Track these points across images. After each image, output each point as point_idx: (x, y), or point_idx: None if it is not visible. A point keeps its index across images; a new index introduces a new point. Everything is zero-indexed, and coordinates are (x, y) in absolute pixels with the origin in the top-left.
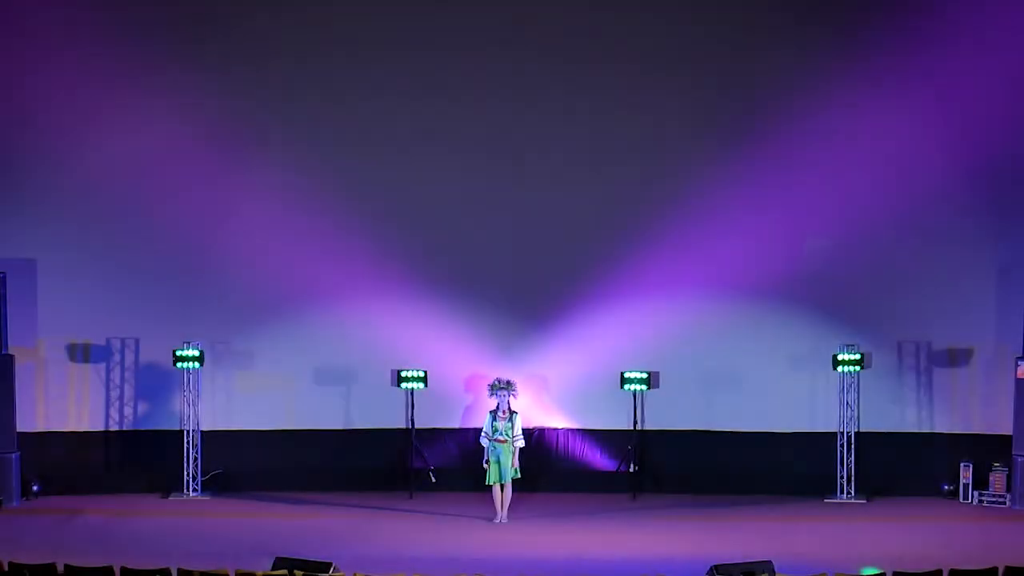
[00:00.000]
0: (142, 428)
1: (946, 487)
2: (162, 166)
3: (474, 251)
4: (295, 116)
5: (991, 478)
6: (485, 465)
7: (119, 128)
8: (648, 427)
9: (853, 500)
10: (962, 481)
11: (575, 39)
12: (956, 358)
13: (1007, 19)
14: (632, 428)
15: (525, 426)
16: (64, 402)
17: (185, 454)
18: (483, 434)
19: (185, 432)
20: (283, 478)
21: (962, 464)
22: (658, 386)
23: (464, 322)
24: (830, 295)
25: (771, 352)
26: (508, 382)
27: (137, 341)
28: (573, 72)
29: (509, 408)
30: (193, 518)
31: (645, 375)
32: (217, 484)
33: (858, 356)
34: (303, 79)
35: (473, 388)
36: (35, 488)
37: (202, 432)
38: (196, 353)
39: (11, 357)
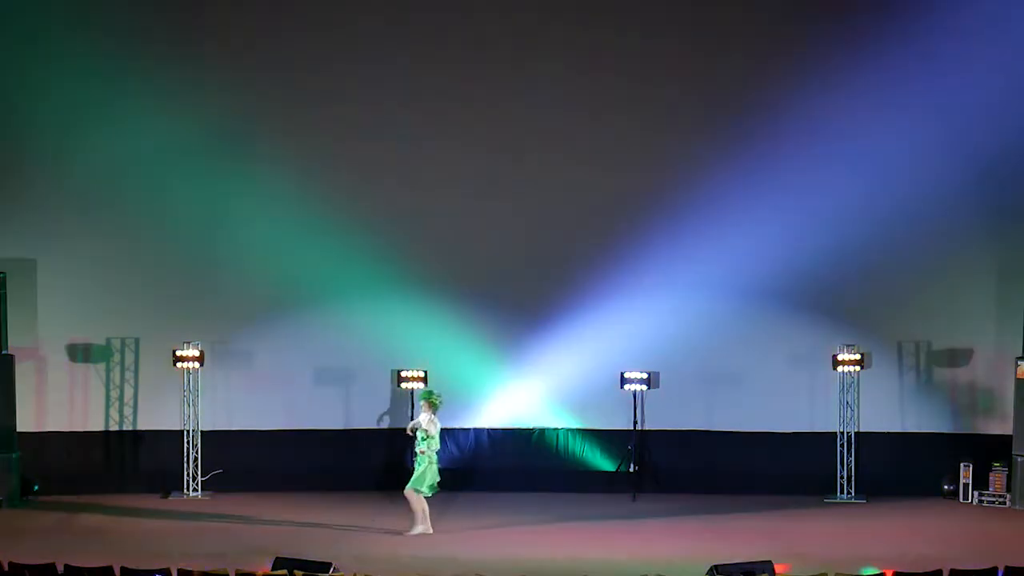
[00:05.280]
0: (142, 428)
1: (946, 487)
2: (162, 166)
3: (474, 251)
4: (295, 116)
5: (991, 478)
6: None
7: (119, 128)
8: (648, 427)
9: (853, 500)
10: (962, 481)
11: (576, 40)
12: (956, 358)
13: (1007, 22)
14: (632, 428)
15: (527, 426)
16: (64, 402)
17: (185, 454)
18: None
19: (185, 432)
20: (283, 478)
21: (962, 464)
22: (658, 386)
23: (464, 322)
24: (830, 295)
25: (771, 352)
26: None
27: (137, 341)
28: (574, 73)
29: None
30: (193, 518)
31: (645, 375)
32: (217, 484)
33: (858, 356)
34: (303, 79)
35: (473, 388)
36: (35, 488)
37: (202, 432)
38: (196, 353)
39: (11, 357)
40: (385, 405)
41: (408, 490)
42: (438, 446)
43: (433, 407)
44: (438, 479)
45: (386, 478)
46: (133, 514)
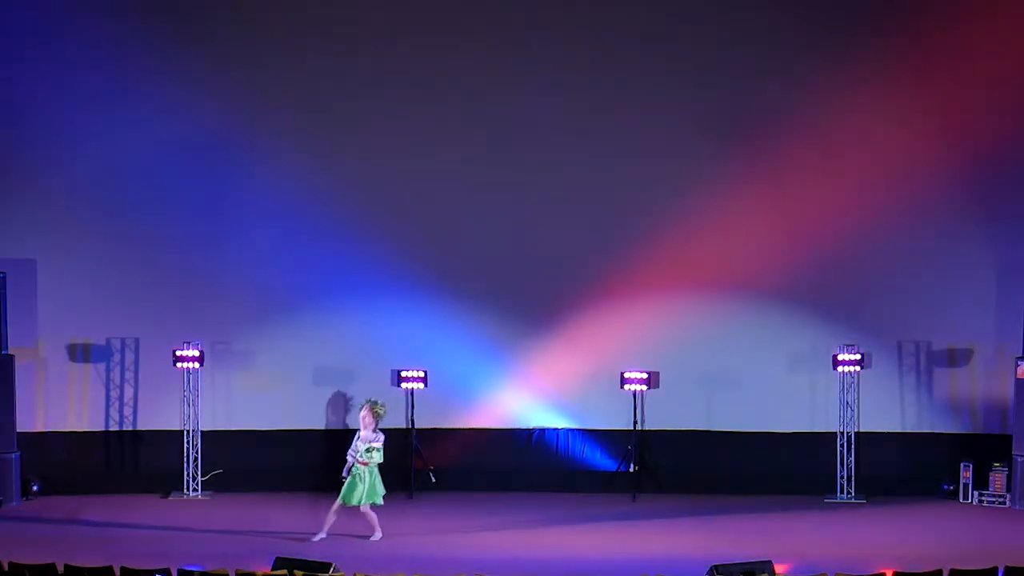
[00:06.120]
0: (142, 428)
1: (946, 487)
2: (162, 166)
3: (474, 251)
4: (296, 116)
5: (991, 478)
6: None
7: (120, 128)
8: (648, 427)
9: (853, 500)
10: (962, 481)
11: (576, 40)
12: (956, 358)
13: (1007, 22)
14: (632, 428)
15: (527, 426)
16: (64, 402)
17: (185, 454)
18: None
19: (185, 432)
20: (283, 478)
21: (962, 464)
22: (658, 386)
23: (464, 322)
24: (830, 295)
25: (771, 352)
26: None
27: (137, 341)
28: (574, 72)
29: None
30: (193, 518)
31: (645, 375)
32: (217, 484)
33: (858, 356)
34: (302, 79)
35: (473, 388)
36: (35, 488)
37: (202, 432)
38: (196, 353)
39: (11, 357)
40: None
41: (364, 506)
42: (382, 459)
43: (377, 417)
44: (354, 489)
45: (386, 478)
46: (133, 514)
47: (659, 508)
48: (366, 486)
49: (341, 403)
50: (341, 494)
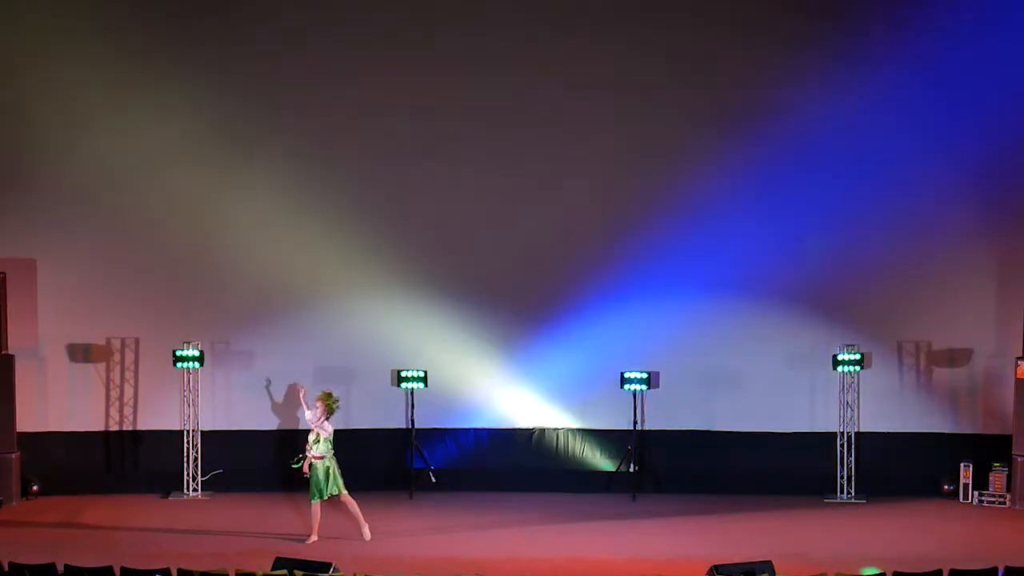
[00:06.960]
0: (142, 428)
1: (946, 487)
2: (163, 166)
3: (474, 251)
4: (295, 116)
5: (991, 478)
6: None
7: (120, 128)
8: (648, 427)
9: (853, 500)
10: (962, 481)
11: (575, 39)
12: (956, 358)
13: (1007, 19)
14: (632, 428)
15: (527, 426)
16: (64, 402)
17: (185, 454)
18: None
19: (185, 432)
20: (283, 478)
21: (962, 464)
22: (658, 386)
23: (464, 322)
24: (830, 295)
25: (771, 352)
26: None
27: (137, 341)
28: (573, 72)
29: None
30: (193, 518)
31: (645, 375)
32: (217, 484)
33: (858, 356)
34: (303, 79)
35: (474, 388)
36: (35, 488)
37: (202, 432)
38: (196, 353)
39: (11, 357)
40: (384, 405)
41: (343, 495)
42: (322, 453)
43: (329, 411)
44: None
45: (386, 478)
46: (133, 514)
47: (659, 508)
48: (331, 476)
49: (341, 403)
50: (310, 493)
